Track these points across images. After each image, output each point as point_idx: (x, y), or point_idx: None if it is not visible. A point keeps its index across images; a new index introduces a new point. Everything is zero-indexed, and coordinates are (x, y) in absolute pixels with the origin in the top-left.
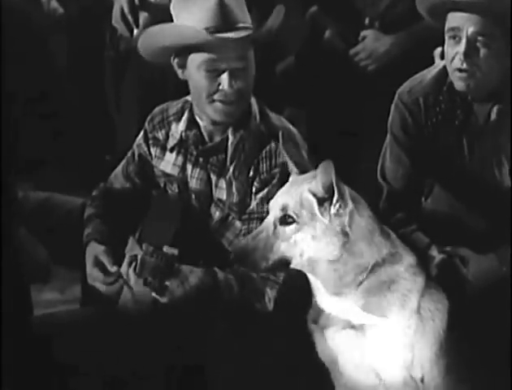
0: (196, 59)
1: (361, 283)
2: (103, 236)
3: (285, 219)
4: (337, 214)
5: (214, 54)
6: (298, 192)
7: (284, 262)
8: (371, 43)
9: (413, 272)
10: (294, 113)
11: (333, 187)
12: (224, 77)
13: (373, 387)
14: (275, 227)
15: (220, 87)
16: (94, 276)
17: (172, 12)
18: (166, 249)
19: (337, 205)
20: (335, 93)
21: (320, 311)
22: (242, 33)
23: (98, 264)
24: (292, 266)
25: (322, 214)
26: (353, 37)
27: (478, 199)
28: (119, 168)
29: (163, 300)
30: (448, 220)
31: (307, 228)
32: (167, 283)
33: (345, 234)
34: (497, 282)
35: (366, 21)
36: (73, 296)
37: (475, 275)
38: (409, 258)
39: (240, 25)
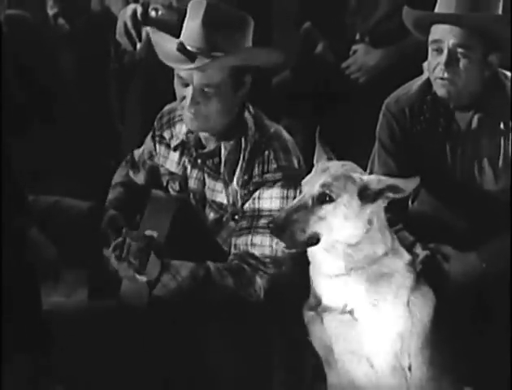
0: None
1: (364, 268)
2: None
3: (324, 197)
4: (375, 205)
5: (184, 74)
6: (343, 175)
7: (316, 239)
8: (362, 56)
9: (407, 269)
10: (290, 123)
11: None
12: (188, 91)
13: (365, 373)
14: (313, 203)
15: (183, 100)
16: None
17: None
18: (147, 232)
19: (381, 201)
20: (328, 104)
21: (319, 298)
22: (202, 62)
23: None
24: (319, 244)
25: (361, 200)
26: (345, 51)
27: (460, 201)
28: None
29: (143, 278)
30: (432, 221)
31: (343, 208)
32: (147, 263)
33: (370, 222)
34: (477, 278)
35: (357, 36)
36: (79, 300)
37: (456, 271)
38: (406, 256)
39: (214, 54)
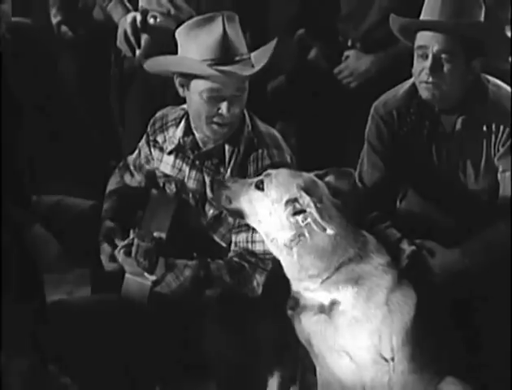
0: (198, 85)
1: (328, 278)
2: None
3: (260, 184)
4: (298, 219)
5: (217, 84)
6: (286, 178)
7: (240, 215)
8: (353, 62)
9: (382, 270)
10: (285, 126)
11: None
12: (224, 104)
13: (345, 366)
14: (251, 186)
15: (220, 111)
16: (105, 250)
17: (177, 38)
18: (155, 233)
19: (300, 219)
20: (321, 108)
21: (296, 298)
22: (244, 70)
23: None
24: (248, 221)
25: (286, 207)
26: (337, 57)
27: (445, 199)
28: (133, 157)
29: (152, 277)
30: (419, 219)
31: (269, 204)
32: (157, 263)
33: (302, 235)
34: (460, 274)
35: (349, 42)
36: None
37: (440, 266)
38: (378, 259)
39: (238, 58)
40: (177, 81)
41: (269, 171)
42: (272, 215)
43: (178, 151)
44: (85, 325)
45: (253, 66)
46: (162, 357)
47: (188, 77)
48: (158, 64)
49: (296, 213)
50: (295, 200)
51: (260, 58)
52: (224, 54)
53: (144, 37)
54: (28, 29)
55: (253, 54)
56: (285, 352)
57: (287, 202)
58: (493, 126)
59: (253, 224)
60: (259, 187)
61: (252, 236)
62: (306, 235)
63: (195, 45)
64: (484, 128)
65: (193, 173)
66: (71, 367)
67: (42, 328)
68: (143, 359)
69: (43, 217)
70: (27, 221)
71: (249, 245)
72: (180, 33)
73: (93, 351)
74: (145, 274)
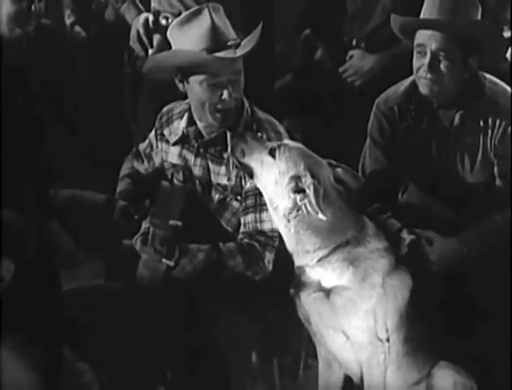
0: (198, 76)
1: (325, 257)
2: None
3: (273, 152)
4: (298, 197)
5: (214, 71)
6: (298, 153)
7: (249, 172)
8: (358, 61)
9: (379, 255)
10: (291, 123)
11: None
12: (225, 91)
13: (342, 344)
14: (266, 149)
15: (222, 97)
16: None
17: (169, 38)
18: (171, 222)
19: (298, 198)
20: (326, 106)
21: (298, 275)
22: (237, 52)
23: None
24: (255, 183)
25: (289, 181)
26: (342, 56)
27: (444, 192)
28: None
29: (171, 263)
30: (418, 210)
31: (277, 173)
32: (175, 250)
33: (300, 209)
34: (457, 262)
35: (354, 42)
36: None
37: (438, 254)
38: (375, 243)
39: (230, 43)
40: (176, 79)
41: (286, 141)
42: (277, 185)
43: (183, 141)
44: (100, 310)
45: (239, 48)
46: (173, 341)
47: (187, 71)
48: (156, 63)
49: (296, 191)
50: (299, 178)
51: (249, 42)
52: (216, 41)
53: (156, 38)
54: (50, 31)
55: (243, 41)
56: (290, 336)
57: (291, 177)
58: (490, 121)
59: (258, 185)
60: (272, 153)
61: (260, 217)
62: (304, 211)
63: (188, 38)
64: (481, 123)
65: (198, 160)
66: (87, 352)
67: (58, 315)
68: (153, 344)
69: (59, 211)
70: (46, 218)
71: (258, 225)
72: (171, 32)
73: (107, 336)
74: (164, 260)
